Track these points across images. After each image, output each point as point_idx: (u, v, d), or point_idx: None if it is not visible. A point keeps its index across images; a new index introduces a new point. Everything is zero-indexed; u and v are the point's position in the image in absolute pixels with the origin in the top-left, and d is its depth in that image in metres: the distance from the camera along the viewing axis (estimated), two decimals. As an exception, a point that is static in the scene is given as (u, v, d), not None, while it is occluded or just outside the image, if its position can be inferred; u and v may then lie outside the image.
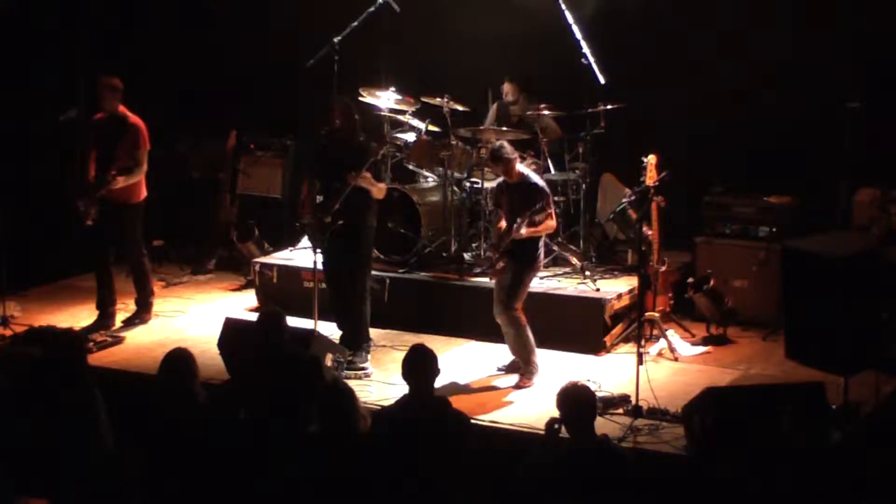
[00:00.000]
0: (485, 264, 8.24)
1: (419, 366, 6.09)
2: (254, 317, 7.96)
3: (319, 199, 8.26)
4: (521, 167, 8.16)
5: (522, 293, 8.03)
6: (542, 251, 8.20)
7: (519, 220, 7.81)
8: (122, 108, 8.99)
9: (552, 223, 8.05)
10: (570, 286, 9.18)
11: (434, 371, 6.11)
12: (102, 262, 9.21)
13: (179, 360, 6.29)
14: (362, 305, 8.37)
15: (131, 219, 9.11)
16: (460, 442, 5.99)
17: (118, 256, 9.32)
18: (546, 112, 9.66)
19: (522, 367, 8.06)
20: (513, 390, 7.97)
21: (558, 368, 8.39)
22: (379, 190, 8.28)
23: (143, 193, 9.15)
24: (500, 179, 8.20)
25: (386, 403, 7.20)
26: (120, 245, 9.22)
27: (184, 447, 6.03)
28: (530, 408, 7.65)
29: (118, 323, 9.25)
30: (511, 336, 8.02)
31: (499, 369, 8.28)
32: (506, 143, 8.16)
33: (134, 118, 9.01)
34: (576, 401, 5.78)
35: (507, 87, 10.05)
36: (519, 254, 7.96)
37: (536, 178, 8.14)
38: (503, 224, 8.09)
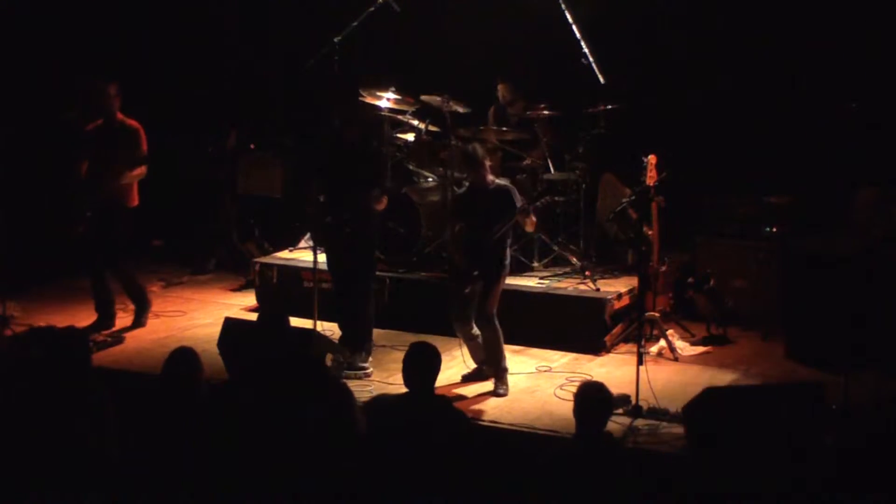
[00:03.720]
0: (463, 279, 8.01)
1: (421, 362, 6.10)
2: (254, 317, 7.97)
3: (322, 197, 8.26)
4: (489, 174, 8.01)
5: (498, 299, 7.99)
6: (509, 255, 8.11)
7: (525, 214, 7.74)
8: (119, 114, 8.95)
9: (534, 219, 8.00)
10: (570, 286, 9.18)
11: (436, 369, 6.12)
12: (98, 265, 9.16)
13: (184, 359, 6.29)
14: (367, 306, 8.37)
15: (122, 221, 9.00)
16: (459, 440, 6.00)
17: (104, 259, 9.12)
18: (545, 112, 9.67)
19: (497, 374, 7.96)
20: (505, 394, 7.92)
21: (558, 368, 8.40)
22: (382, 204, 8.25)
23: (136, 200, 9.08)
24: (466, 187, 8.09)
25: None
26: (106, 247, 9.01)
27: (185, 447, 6.03)
28: (530, 408, 7.66)
29: (118, 326, 9.25)
30: (489, 344, 7.95)
31: (464, 377, 8.17)
32: (478, 147, 8.12)
33: (132, 122, 8.97)
34: (592, 399, 5.81)
35: (501, 88, 10.03)
36: (490, 260, 7.89)
37: (501, 182, 8.06)
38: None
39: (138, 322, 9.31)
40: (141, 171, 8.99)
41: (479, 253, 7.85)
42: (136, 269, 9.42)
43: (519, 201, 7.88)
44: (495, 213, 7.84)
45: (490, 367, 8.03)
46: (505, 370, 7.98)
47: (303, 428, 6.14)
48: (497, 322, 7.95)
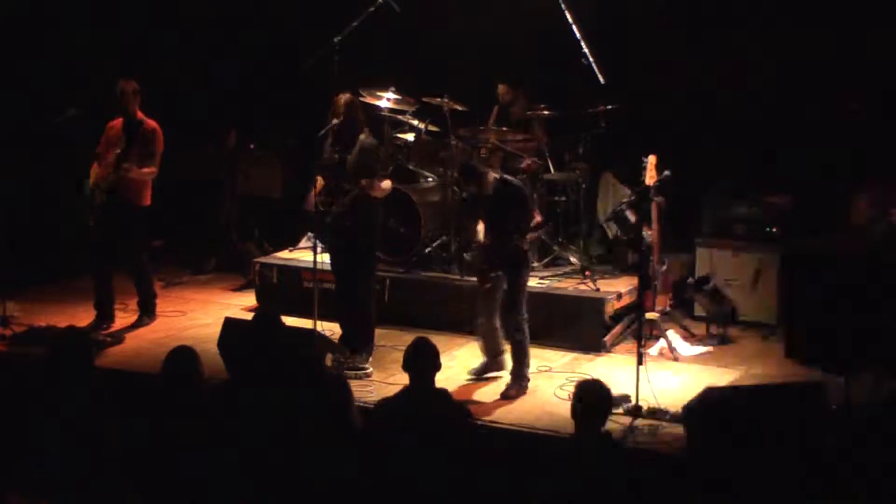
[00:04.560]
0: (480, 275, 8.09)
1: (420, 358, 6.13)
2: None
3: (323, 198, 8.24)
4: (492, 172, 8.02)
5: (524, 292, 8.02)
6: (529, 249, 8.16)
7: (518, 236, 7.78)
8: (139, 112, 9.01)
9: (539, 218, 8.04)
10: (570, 286, 9.18)
11: (435, 365, 6.15)
12: (103, 262, 9.18)
13: (183, 358, 6.29)
14: (367, 305, 8.36)
15: (137, 219, 9.09)
16: (460, 433, 6.01)
17: (120, 257, 9.25)
18: (546, 112, 9.67)
19: (514, 377, 7.94)
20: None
21: (558, 368, 8.40)
22: (381, 191, 8.23)
23: (149, 199, 9.12)
24: (472, 193, 8.09)
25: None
26: (122, 245, 9.13)
27: (185, 446, 6.03)
28: (530, 408, 7.65)
29: (118, 326, 9.25)
30: (515, 347, 7.96)
31: (470, 374, 8.17)
32: (472, 160, 8.12)
33: (151, 122, 9.02)
34: (590, 397, 5.81)
35: (501, 89, 10.03)
36: (511, 259, 7.90)
37: (511, 178, 8.08)
38: (481, 233, 8.02)
39: (139, 323, 9.32)
40: (152, 170, 9.00)
41: (499, 252, 7.86)
42: (153, 271, 9.48)
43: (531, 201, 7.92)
44: (505, 210, 7.85)
45: (512, 368, 7.99)
46: (524, 378, 7.94)
47: (301, 426, 6.15)
48: (526, 326, 7.93)
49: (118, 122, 9.06)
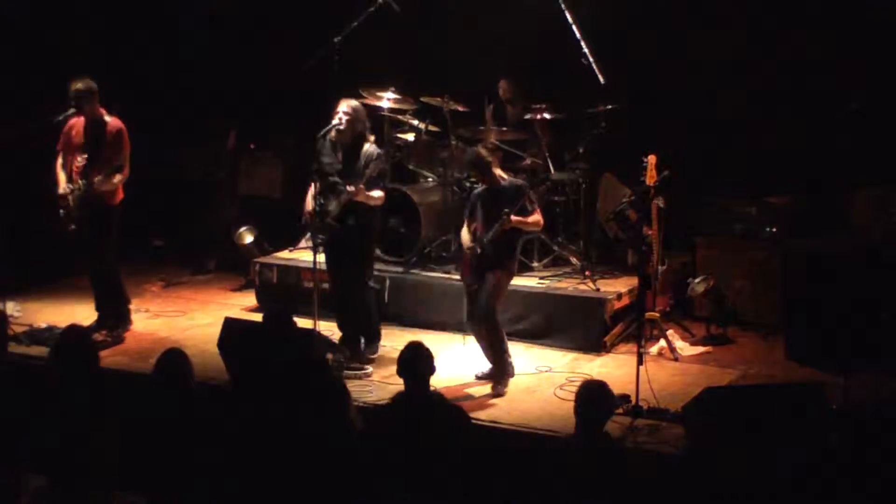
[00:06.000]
0: (466, 280, 8.12)
1: (413, 362, 6.15)
2: (253, 317, 7.96)
3: (321, 199, 8.23)
4: (499, 171, 8.06)
5: (502, 299, 8.01)
6: (517, 256, 8.18)
7: (506, 211, 7.75)
8: (100, 110, 8.67)
9: (540, 219, 8.01)
10: (570, 286, 9.18)
11: (429, 368, 6.15)
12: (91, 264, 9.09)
13: (173, 361, 6.29)
14: (368, 304, 8.36)
15: (108, 220, 8.75)
16: (457, 435, 6.02)
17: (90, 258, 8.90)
18: (546, 115, 9.67)
19: (498, 372, 7.97)
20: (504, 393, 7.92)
21: (558, 368, 8.40)
22: (376, 199, 8.22)
23: (121, 195, 8.78)
24: (479, 189, 8.11)
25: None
26: (93, 247, 8.79)
27: (182, 446, 6.03)
28: (530, 408, 7.65)
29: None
30: (490, 343, 7.97)
31: (477, 377, 8.16)
32: (480, 148, 8.14)
33: (114, 120, 8.69)
34: (592, 398, 5.82)
35: (502, 84, 10.03)
36: (496, 259, 7.90)
37: (516, 179, 8.14)
38: (466, 239, 8.02)
39: (117, 339, 8.89)
40: (125, 175, 8.67)
41: (486, 256, 7.87)
42: (121, 275, 9.10)
43: (529, 200, 7.91)
44: (504, 207, 7.84)
45: (493, 365, 8.03)
46: (507, 367, 7.98)
47: (300, 427, 6.15)
48: (497, 321, 7.95)
49: (79, 122, 8.71)
